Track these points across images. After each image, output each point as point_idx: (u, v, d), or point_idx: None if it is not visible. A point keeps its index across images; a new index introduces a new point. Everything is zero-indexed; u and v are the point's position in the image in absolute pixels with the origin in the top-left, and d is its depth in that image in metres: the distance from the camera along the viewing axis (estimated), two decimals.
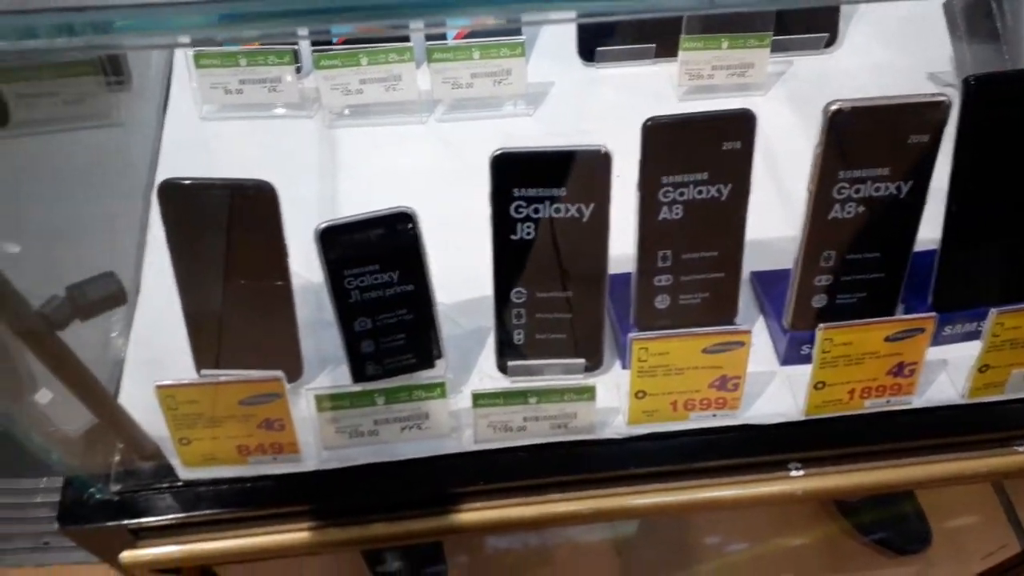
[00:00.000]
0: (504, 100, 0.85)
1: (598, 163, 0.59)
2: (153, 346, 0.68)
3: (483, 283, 0.67)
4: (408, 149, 0.83)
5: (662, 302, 0.65)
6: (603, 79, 0.89)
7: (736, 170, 0.60)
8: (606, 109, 0.86)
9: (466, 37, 0.86)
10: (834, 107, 0.59)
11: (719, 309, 0.66)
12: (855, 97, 0.61)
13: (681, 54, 0.84)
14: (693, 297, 0.65)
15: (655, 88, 0.88)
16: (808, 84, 0.89)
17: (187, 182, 0.57)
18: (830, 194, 0.59)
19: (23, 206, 0.79)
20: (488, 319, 0.68)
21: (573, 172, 0.59)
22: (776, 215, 0.77)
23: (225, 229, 0.58)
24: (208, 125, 0.84)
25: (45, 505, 1.32)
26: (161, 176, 0.82)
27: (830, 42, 0.92)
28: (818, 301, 0.65)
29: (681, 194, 0.61)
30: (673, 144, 0.60)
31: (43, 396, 0.72)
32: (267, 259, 0.59)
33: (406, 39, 0.83)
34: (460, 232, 0.70)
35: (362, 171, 0.82)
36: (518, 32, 0.86)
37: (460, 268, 0.65)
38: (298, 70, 0.85)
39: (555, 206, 0.59)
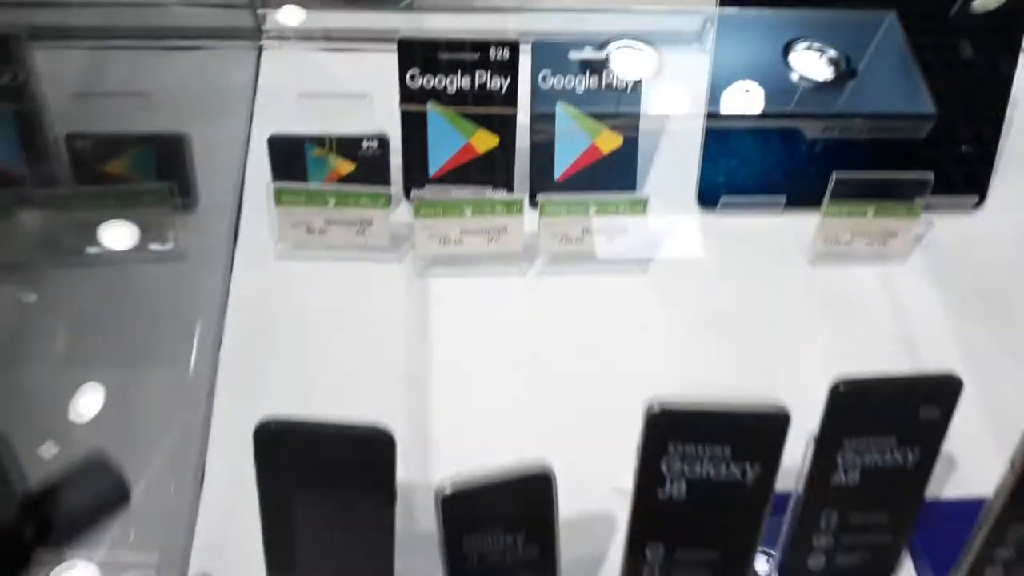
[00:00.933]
0: (616, 255, 0.76)
1: (774, 424, 0.50)
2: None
3: (593, 498, 0.60)
4: (507, 307, 0.74)
5: (816, 561, 0.57)
6: (723, 230, 0.79)
7: (927, 438, 0.51)
8: (727, 268, 0.77)
9: (573, 175, 0.78)
10: None
11: (877, 569, 0.58)
12: None
13: (822, 219, 0.75)
14: (852, 557, 0.56)
15: (782, 245, 0.78)
16: (951, 252, 0.79)
17: (289, 427, 0.47)
18: None
19: (71, 353, 0.71)
20: (601, 547, 0.60)
21: (743, 431, 0.50)
22: None
23: (328, 475, 0.49)
24: (284, 265, 0.74)
25: None
26: (231, 326, 0.72)
27: (979, 202, 0.83)
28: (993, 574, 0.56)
29: (861, 458, 0.52)
30: (862, 407, 0.50)
31: (48, 450, 0.64)
32: (372, 508, 0.50)
33: (510, 185, 0.75)
34: (563, 429, 0.64)
35: (456, 332, 0.72)
36: (631, 174, 0.76)
37: (568, 473, 0.56)
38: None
39: (716, 465, 0.51)
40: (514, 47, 0.70)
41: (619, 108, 0.76)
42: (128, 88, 0.81)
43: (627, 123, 0.76)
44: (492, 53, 0.70)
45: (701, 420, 0.50)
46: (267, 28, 0.89)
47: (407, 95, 0.72)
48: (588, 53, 0.74)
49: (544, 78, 0.74)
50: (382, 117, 0.76)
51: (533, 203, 0.78)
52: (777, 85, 0.79)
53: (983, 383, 0.67)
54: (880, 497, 0.55)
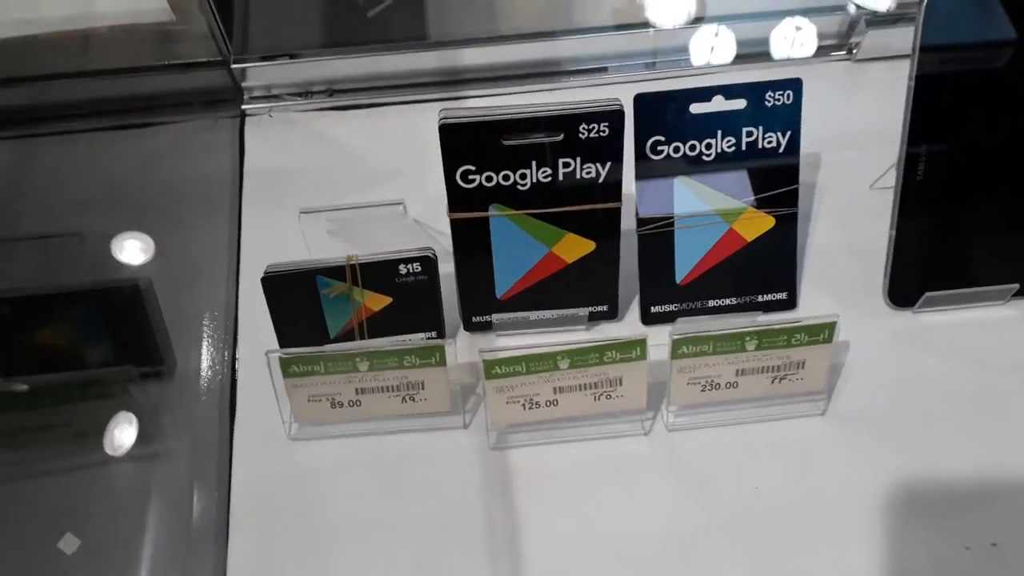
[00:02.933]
0: (784, 399, 0.51)
1: None
2: None
3: None
4: (626, 489, 0.50)
5: None
6: (925, 334, 0.55)
7: None
8: (938, 397, 0.52)
9: (704, 274, 0.55)
10: None
11: None
12: None
13: None
14: None
15: (1015, 353, 0.54)
16: None
17: None
18: None
19: None
20: None
21: None
22: None
23: None
24: (301, 449, 0.52)
25: None
26: (235, 548, 0.48)
27: None
28: None
29: None
30: None
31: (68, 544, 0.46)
32: None
33: (613, 301, 0.53)
34: None
35: (555, 539, 0.48)
36: (788, 267, 0.53)
37: None
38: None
39: None
40: (616, 118, 0.46)
41: (768, 176, 0.53)
42: (60, 191, 0.61)
43: (781, 197, 0.54)
44: (583, 130, 0.46)
45: None
46: (248, 86, 0.66)
47: (459, 199, 0.48)
48: (721, 103, 0.51)
49: (655, 147, 0.52)
50: (414, 205, 0.55)
51: (647, 319, 0.56)
52: None
53: None
54: None
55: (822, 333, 0.48)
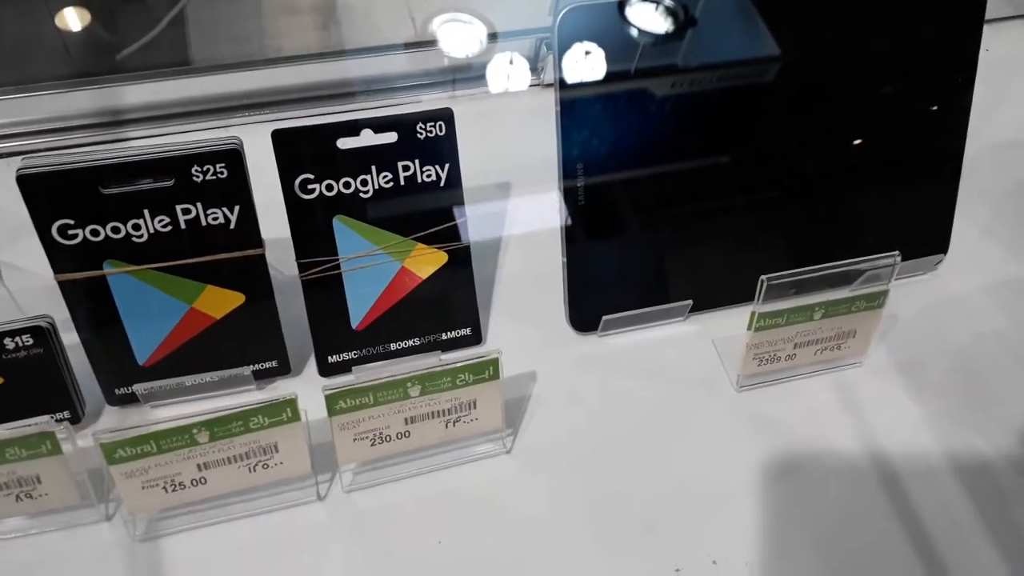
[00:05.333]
0: (465, 441, 0.48)
1: None
2: None
3: None
4: (304, 563, 0.44)
5: None
6: (610, 357, 0.54)
7: None
8: (624, 420, 0.51)
9: (382, 317, 0.51)
10: None
11: None
12: None
13: (751, 335, 0.52)
14: None
15: (696, 367, 0.54)
16: (915, 333, 0.56)
17: None
18: None
19: None
20: None
21: None
22: None
23: None
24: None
25: None
26: None
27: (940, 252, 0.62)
28: None
29: None
30: None
31: None
32: None
33: (282, 353, 0.48)
34: None
35: None
36: (468, 300, 0.51)
37: None
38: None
39: None
40: (233, 157, 0.41)
41: (433, 211, 0.51)
42: None
43: (450, 231, 0.51)
44: (196, 172, 0.41)
45: None
46: None
47: (63, 258, 0.42)
48: (369, 137, 0.48)
49: (305, 185, 0.47)
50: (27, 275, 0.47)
51: (324, 370, 0.52)
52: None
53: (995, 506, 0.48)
54: None
55: (487, 370, 0.45)
